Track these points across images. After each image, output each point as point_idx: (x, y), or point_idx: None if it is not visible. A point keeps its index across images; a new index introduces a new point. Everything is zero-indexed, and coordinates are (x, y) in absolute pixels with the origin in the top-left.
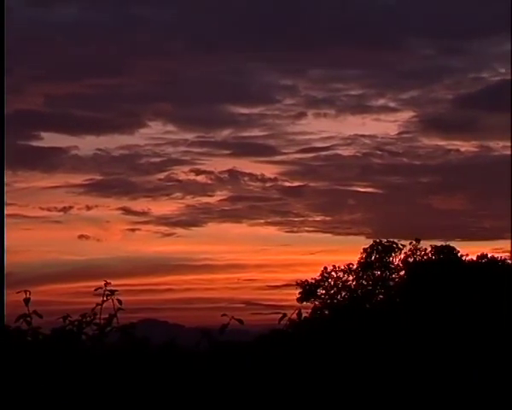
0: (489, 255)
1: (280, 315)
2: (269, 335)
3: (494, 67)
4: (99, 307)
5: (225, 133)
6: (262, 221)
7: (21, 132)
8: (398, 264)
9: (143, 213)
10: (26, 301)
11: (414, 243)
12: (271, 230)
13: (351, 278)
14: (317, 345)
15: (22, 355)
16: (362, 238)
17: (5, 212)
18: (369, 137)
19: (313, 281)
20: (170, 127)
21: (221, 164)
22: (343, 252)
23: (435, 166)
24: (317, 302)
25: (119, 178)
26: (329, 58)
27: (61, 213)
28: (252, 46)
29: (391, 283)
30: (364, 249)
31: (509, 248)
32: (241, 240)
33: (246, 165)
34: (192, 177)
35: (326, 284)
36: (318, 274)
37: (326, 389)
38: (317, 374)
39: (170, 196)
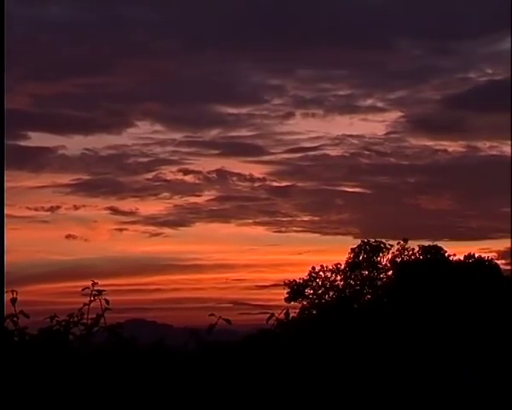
0: (476, 255)
1: (268, 315)
2: (257, 335)
3: (481, 67)
4: (86, 307)
5: (213, 133)
6: (250, 221)
7: (9, 132)
8: (385, 264)
9: (131, 213)
10: (13, 301)
11: (401, 242)
12: (259, 230)
13: (338, 277)
14: (305, 345)
15: (9, 356)
16: (350, 238)
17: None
18: (357, 137)
19: (301, 281)
20: (158, 127)
21: (209, 164)
22: (331, 252)
23: (423, 167)
24: (304, 302)
25: (107, 178)
26: (317, 58)
27: (49, 213)
28: (240, 46)
29: (379, 283)
30: (352, 249)
31: (495, 249)
32: (230, 240)
33: (234, 165)
34: (180, 177)
35: (314, 283)
36: (306, 274)
37: (314, 388)
38: (305, 374)
39: (158, 196)
